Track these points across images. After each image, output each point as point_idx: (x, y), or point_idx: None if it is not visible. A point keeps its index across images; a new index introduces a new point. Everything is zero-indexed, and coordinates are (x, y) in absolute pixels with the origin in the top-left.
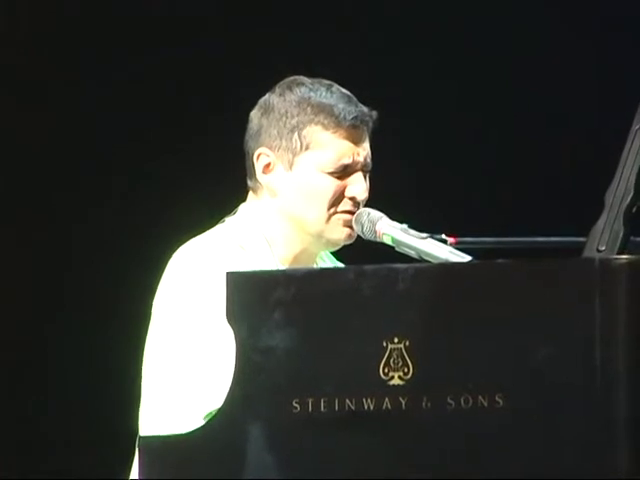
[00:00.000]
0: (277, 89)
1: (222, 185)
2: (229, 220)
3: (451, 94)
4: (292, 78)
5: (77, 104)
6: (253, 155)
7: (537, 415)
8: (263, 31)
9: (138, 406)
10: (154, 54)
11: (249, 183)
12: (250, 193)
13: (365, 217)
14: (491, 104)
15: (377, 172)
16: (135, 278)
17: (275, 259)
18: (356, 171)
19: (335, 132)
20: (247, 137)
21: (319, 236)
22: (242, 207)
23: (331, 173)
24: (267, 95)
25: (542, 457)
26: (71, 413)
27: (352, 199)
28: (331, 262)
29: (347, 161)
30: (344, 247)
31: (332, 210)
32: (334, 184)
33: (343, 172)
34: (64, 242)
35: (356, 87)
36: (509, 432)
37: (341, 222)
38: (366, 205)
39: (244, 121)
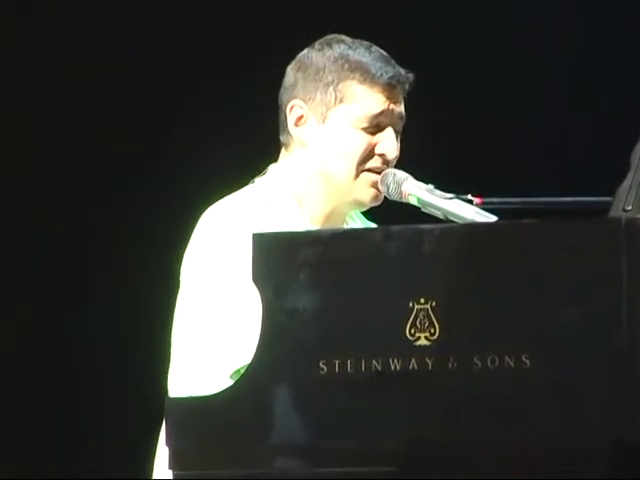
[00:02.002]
0: (316, 45)
1: (253, 145)
2: (259, 180)
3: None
4: (332, 36)
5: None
6: (286, 107)
7: (563, 376)
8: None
9: (167, 370)
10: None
11: (281, 138)
12: (282, 150)
13: (391, 178)
14: (516, 64)
15: (403, 132)
16: (165, 239)
17: (305, 219)
18: (387, 127)
19: (371, 87)
20: (282, 90)
21: (346, 193)
22: (272, 167)
23: (364, 128)
24: (305, 50)
25: (568, 418)
26: (101, 379)
27: (382, 156)
28: (362, 222)
29: (380, 116)
30: (372, 207)
31: (361, 167)
32: (365, 139)
33: (375, 128)
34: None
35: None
36: (536, 392)
37: (369, 182)
38: (394, 166)
39: (276, 81)
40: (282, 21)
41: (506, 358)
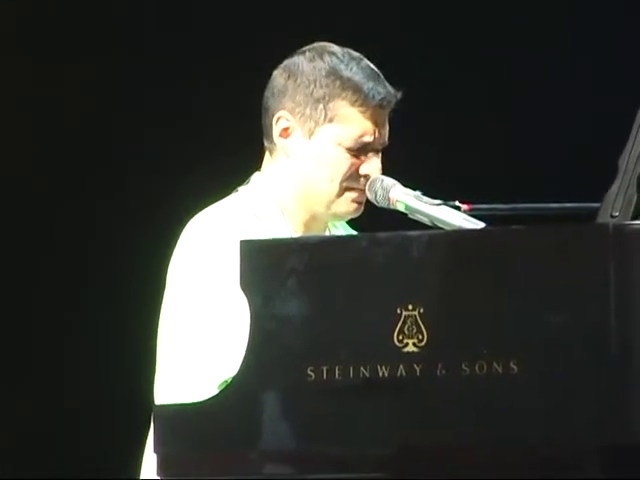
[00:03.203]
0: (307, 53)
1: (236, 155)
2: (242, 189)
3: (466, 59)
4: (322, 44)
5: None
6: (273, 116)
7: (552, 381)
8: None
9: (153, 377)
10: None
11: (265, 142)
12: (266, 155)
13: (378, 184)
14: (504, 69)
15: (391, 139)
16: (149, 251)
17: (289, 227)
18: (373, 150)
19: (361, 110)
20: (268, 94)
21: (327, 207)
22: (255, 176)
23: (349, 149)
24: (295, 57)
25: (557, 424)
26: (87, 385)
27: (365, 177)
28: (344, 230)
29: (368, 139)
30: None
31: (345, 184)
32: (350, 160)
33: (361, 150)
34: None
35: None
36: (524, 398)
37: (350, 198)
38: (382, 173)
39: (260, 87)
40: (276, 25)
41: (494, 364)
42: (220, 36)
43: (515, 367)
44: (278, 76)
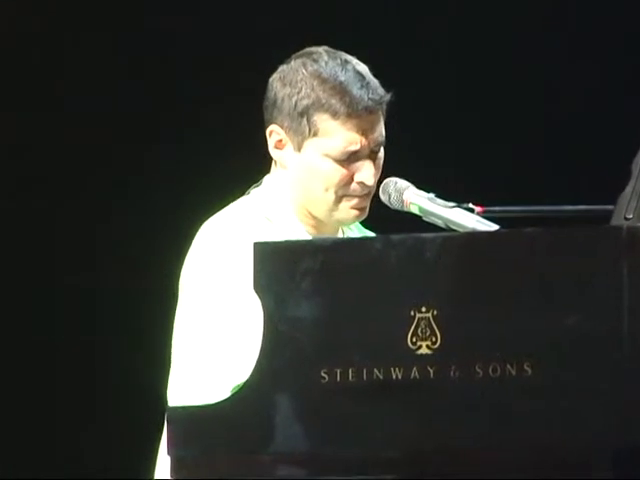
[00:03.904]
0: (293, 62)
1: (247, 157)
2: (254, 192)
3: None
4: (309, 51)
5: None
6: (266, 129)
7: (565, 384)
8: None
9: (166, 381)
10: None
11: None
12: (273, 162)
13: (392, 187)
14: (519, 71)
15: (404, 141)
16: (162, 253)
17: (301, 229)
18: (364, 157)
19: (344, 121)
20: (264, 104)
21: (328, 215)
22: (267, 178)
23: (337, 160)
24: (285, 65)
25: (570, 425)
26: (101, 388)
27: (360, 184)
28: (359, 231)
29: (354, 149)
30: (371, 217)
31: (340, 193)
32: (341, 170)
33: (350, 159)
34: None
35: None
36: (538, 400)
37: (349, 205)
38: (392, 175)
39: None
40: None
41: (508, 366)
42: (226, 37)
43: (529, 369)
44: (270, 86)
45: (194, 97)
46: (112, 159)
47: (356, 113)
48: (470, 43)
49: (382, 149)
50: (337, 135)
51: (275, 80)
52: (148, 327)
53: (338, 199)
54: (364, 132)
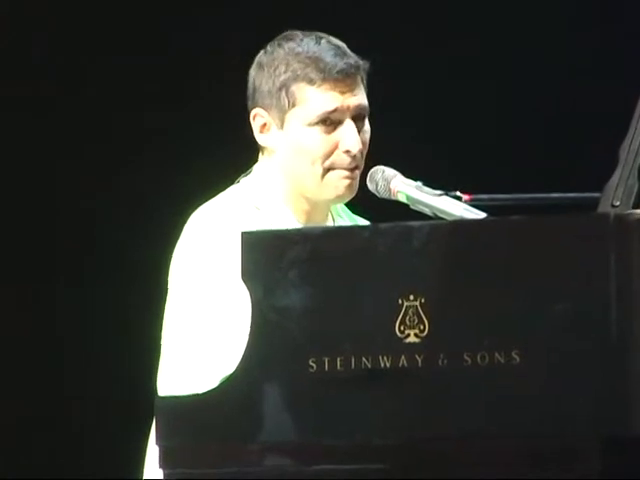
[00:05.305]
0: (268, 47)
1: (236, 145)
2: (243, 180)
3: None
4: (284, 34)
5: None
6: (250, 115)
7: (553, 371)
8: None
9: (156, 372)
10: None
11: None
12: (260, 151)
13: (379, 175)
14: (505, 58)
15: (391, 129)
16: (151, 244)
17: (292, 217)
18: (346, 121)
19: (320, 86)
20: (247, 94)
21: (318, 193)
22: (256, 167)
23: (317, 124)
24: (261, 51)
25: (558, 413)
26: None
27: (347, 152)
28: (348, 217)
29: (330, 108)
30: (361, 205)
31: (327, 165)
32: (324, 138)
33: (333, 124)
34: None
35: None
36: (526, 388)
37: (337, 179)
38: (380, 163)
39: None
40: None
41: (496, 354)
42: (220, 30)
43: (517, 357)
44: (250, 74)
45: (184, 85)
46: (101, 149)
47: (332, 77)
48: (462, 32)
49: (367, 124)
50: (314, 99)
51: (253, 68)
52: (140, 319)
53: (325, 171)
54: (341, 93)
